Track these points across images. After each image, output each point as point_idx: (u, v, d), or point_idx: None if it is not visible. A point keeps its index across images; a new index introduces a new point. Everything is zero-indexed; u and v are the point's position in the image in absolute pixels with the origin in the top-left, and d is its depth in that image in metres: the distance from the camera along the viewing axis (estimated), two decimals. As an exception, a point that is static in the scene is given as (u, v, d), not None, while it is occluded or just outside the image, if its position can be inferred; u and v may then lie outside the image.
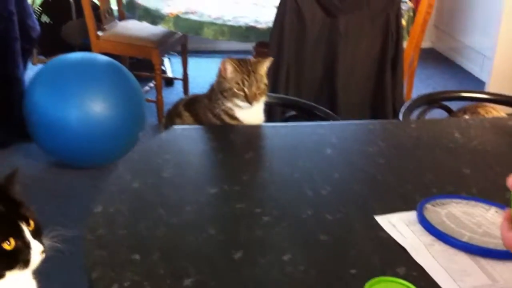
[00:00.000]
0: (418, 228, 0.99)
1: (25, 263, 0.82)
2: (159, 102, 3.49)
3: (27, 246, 0.82)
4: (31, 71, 3.31)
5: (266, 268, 0.88)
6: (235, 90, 1.28)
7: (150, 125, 3.41)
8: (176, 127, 1.32)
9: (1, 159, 3.03)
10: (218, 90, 1.31)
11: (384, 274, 0.86)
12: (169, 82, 4.07)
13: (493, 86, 3.80)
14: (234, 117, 1.31)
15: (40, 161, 3.00)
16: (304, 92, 2.37)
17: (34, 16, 3.31)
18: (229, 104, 1.30)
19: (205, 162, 1.21)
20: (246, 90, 1.28)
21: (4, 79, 2.99)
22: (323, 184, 1.11)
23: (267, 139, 1.28)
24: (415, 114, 1.64)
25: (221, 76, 1.31)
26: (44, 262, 0.85)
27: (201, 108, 1.35)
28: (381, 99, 2.39)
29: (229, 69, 1.29)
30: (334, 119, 1.50)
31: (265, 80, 1.32)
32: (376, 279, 0.83)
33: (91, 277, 0.85)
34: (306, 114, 1.58)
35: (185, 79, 3.87)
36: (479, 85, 4.16)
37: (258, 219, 1.00)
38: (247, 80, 1.28)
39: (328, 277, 0.87)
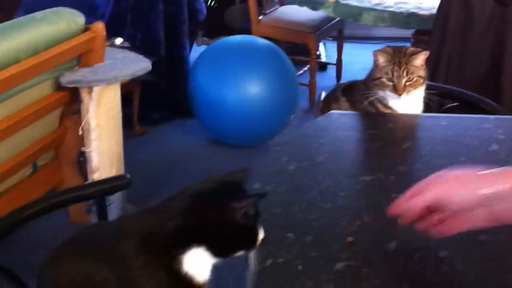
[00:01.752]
0: None
1: (253, 246, 0.80)
2: (311, 86, 3.53)
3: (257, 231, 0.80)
4: (195, 51, 3.52)
5: (421, 263, 0.86)
6: (384, 81, 1.26)
7: (302, 108, 3.46)
8: (332, 112, 1.33)
9: (164, 132, 3.27)
10: (371, 78, 1.30)
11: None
12: (323, 67, 4.09)
13: None
14: (387, 106, 1.29)
15: (198, 137, 3.19)
16: (465, 85, 2.24)
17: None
18: (381, 93, 1.28)
19: (361, 149, 1.21)
20: (395, 80, 1.25)
21: (171, 59, 3.22)
22: (485, 182, 1.05)
23: (426, 130, 1.24)
24: None
25: (374, 64, 1.30)
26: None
27: (357, 94, 1.35)
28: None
29: (381, 59, 1.27)
30: (500, 114, 1.41)
31: (421, 73, 1.28)
32: None
33: (248, 250, 0.90)
34: (470, 106, 1.50)
35: (338, 65, 3.86)
36: None
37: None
38: (397, 71, 1.25)
39: (485, 281, 0.83)
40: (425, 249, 0.89)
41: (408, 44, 3.36)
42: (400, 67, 1.26)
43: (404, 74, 1.26)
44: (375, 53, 1.28)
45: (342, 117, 1.31)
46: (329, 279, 0.83)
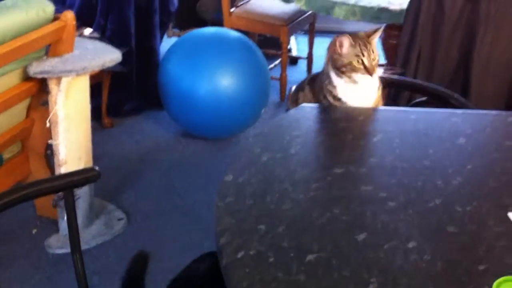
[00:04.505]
0: (557, 230, 0.93)
1: None
2: (283, 80, 3.53)
3: None
4: (165, 43, 3.49)
5: (390, 253, 0.87)
6: (355, 64, 1.27)
7: (273, 102, 3.47)
8: (305, 105, 1.33)
9: (134, 124, 3.24)
10: (334, 68, 1.30)
11: (514, 273, 0.83)
12: (294, 60, 4.10)
13: None
14: (337, 98, 1.30)
15: (169, 129, 3.17)
16: (435, 79, 2.28)
17: (173, -10, 3.46)
18: (340, 82, 1.29)
19: (332, 142, 1.22)
20: (366, 62, 1.27)
21: (142, 50, 3.18)
22: (454, 174, 1.07)
23: (396, 124, 1.25)
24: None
25: (336, 53, 1.31)
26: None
27: (317, 87, 1.37)
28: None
29: (346, 44, 1.28)
30: (468, 108, 1.43)
31: (377, 52, 1.31)
32: (507, 277, 0.80)
33: (220, 242, 0.90)
34: (439, 101, 1.53)
35: (309, 59, 3.87)
36: None
37: (383, 203, 0.99)
38: (366, 52, 1.27)
39: (454, 270, 0.85)
40: (394, 240, 0.90)
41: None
42: (366, 48, 1.28)
43: (371, 53, 1.28)
44: (339, 38, 1.29)
45: (315, 110, 1.32)
46: (300, 271, 0.83)
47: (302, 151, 1.15)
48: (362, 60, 1.27)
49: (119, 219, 2.34)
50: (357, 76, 1.28)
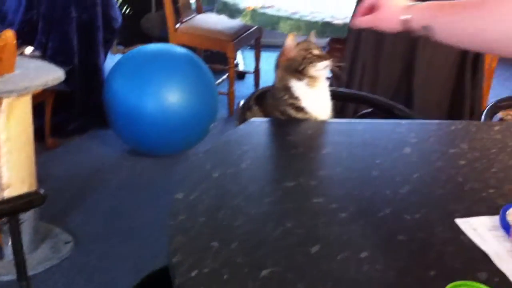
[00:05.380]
0: (501, 233, 0.96)
1: None
2: (230, 95, 3.54)
3: None
4: (110, 60, 3.44)
5: (343, 264, 0.88)
6: (309, 56, 1.29)
7: (221, 117, 3.47)
8: (254, 119, 1.33)
9: (79, 144, 3.17)
10: (292, 74, 1.31)
11: (464, 278, 0.85)
12: (241, 75, 4.12)
13: None
14: (300, 108, 1.31)
15: (115, 148, 3.12)
16: (380, 89, 2.34)
17: (117, 7, 3.42)
18: (302, 87, 1.30)
19: (282, 155, 1.22)
20: (317, 52, 1.30)
21: (86, 68, 3.12)
22: (402, 183, 1.09)
23: (344, 135, 1.27)
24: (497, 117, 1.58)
25: (287, 59, 1.32)
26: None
27: (268, 105, 1.36)
28: (459, 99, 2.32)
29: (291, 44, 1.30)
30: (412, 119, 1.47)
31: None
32: (457, 282, 0.82)
33: (172, 261, 0.88)
34: (384, 112, 1.56)
35: (257, 73, 3.91)
36: None
37: (335, 215, 1.00)
38: (311, 44, 1.30)
39: (406, 278, 0.86)
40: (347, 251, 0.91)
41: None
42: (310, 42, 1.32)
43: (316, 47, 1.32)
44: (285, 45, 1.31)
45: (263, 124, 1.32)
46: (255, 286, 0.83)
47: (253, 166, 1.15)
48: (312, 52, 1.28)
49: (66, 242, 2.27)
50: (317, 69, 1.28)
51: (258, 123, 1.32)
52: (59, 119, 3.11)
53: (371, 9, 1.23)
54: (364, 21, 1.24)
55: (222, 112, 3.48)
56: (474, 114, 2.30)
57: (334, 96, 1.38)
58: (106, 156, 3.06)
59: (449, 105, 2.38)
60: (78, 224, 2.44)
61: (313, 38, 1.36)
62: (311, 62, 1.29)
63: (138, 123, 2.84)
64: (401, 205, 1.03)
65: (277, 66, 1.35)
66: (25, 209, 1.07)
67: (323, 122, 1.33)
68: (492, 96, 3.54)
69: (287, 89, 1.32)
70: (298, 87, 1.31)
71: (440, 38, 1.14)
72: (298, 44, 1.31)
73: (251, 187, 1.09)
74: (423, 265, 0.89)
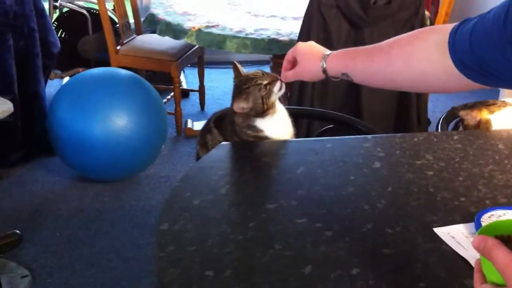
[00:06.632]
0: (477, 240, 1.01)
1: None
2: (177, 114, 3.52)
3: None
4: (48, 86, 3.35)
5: (338, 282, 0.90)
6: (264, 85, 1.28)
7: (170, 137, 3.44)
8: (224, 143, 1.34)
9: (24, 174, 3.06)
10: (257, 117, 1.31)
11: (452, 287, 0.89)
12: (185, 94, 4.11)
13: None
14: (259, 130, 1.31)
15: (63, 175, 3.03)
16: (329, 102, 2.40)
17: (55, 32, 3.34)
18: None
19: (259, 178, 1.24)
20: (264, 81, 1.29)
21: (27, 96, 3.02)
22: (378, 197, 1.13)
23: (315, 154, 1.30)
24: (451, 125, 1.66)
25: (247, 114, 1.31)
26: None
27: (226, 129, 1.37)
28: (406, 107, 2.41)
29: (242, 104, 1.29)
30: (374, 133, 1.52)
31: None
32: (491, 223, 0.78)
33: (169, 294, 0.87)
34: (343, 127, 1.61)
35: (201, 91, 3.91)
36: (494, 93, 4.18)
37: (320, 234, 1.02)
38: (255, 80, 1.30)
39: (399, 290, 0.89)
40: (339, 269, 0.93)
41: (267, 67, 3.51)
42: (251, 80, 1.31)
43: (259, 75, 1.32)
44: (235, 107, 1.30)
45: (235, 147, 1.33)
46: (256, 312, 0.83)
47: (231, 191, 1.16)
48: (261, 82, 1.28)
49: (23, 277, 2.19)
50: (275, 94, 1.29)
51: (229, 147, 1.33)
52: (1, 149, 2.99)
53: (293, 63, 1.28)
54: (289, 76, 1.28)
55: (170, 131, 3.45)
56: (421, 122, 2.41)
57: (300, 115, 1.41)
58: (55, 185, 2.96)
59: (396, 114, 2.47)
60: (32, 256, 2.34)
61: (239, 66, 1.35)
62: (268, 95, 1.29)
63: (86, 149, 2.77)
64: (381, 219, 1.07)
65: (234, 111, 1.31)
66: (4, 251, 1.03)
67: (293, 142, 1.36)
68: (437, 103, 3.70)
69: (251, 127, 1.31)
70: (262, 121, 1.31)
71: (358, 83, 1.21)
72: (244, 96, 1.28)
73: (234, 212, 1.10)
74: (412, 277, 0.92)
